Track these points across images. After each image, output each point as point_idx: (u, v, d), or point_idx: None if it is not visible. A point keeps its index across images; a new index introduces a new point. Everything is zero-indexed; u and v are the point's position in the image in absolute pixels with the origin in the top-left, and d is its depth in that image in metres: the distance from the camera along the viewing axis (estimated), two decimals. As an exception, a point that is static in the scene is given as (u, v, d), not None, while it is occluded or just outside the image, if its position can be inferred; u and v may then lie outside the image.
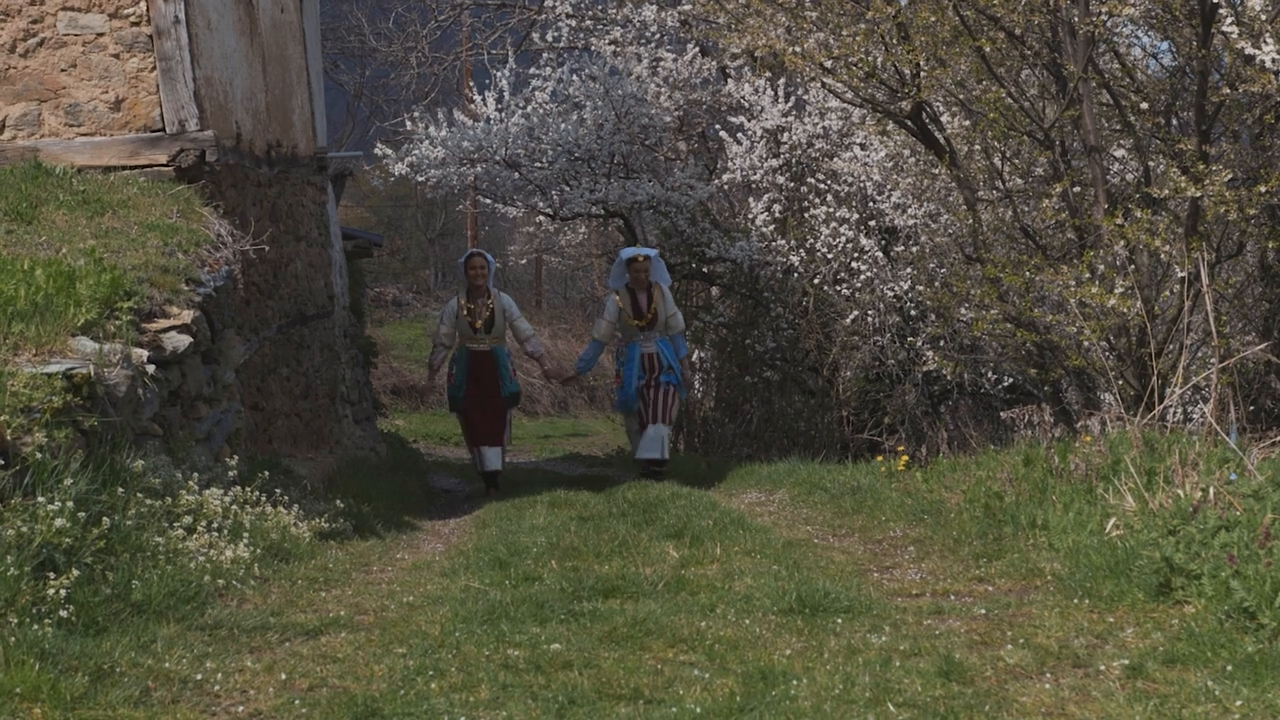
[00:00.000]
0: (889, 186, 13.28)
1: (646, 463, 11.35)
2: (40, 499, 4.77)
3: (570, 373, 12.55)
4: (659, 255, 12.03)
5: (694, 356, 15.21)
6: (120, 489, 5.38)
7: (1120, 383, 8.80)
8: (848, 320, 13.87)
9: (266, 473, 7.04)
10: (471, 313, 11.58)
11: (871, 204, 13.71)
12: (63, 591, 4.45)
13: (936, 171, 11.60)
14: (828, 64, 9.99)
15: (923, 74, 9.79)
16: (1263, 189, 8.26)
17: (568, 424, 24.49)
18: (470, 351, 11.58)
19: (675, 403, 11.56)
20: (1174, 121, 10.17)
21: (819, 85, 12.30)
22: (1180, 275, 8.68)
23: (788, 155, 14.25)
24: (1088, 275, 8.74)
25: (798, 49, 9.90)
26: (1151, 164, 10.16)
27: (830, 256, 13.71)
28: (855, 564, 6.23)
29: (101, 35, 8.50)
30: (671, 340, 11.65)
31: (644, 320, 11.53)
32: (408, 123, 15.98)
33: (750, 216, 14.36)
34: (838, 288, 13.85)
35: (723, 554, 6.33)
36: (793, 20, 10.35)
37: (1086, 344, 9.10)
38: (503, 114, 15.32)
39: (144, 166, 8.45)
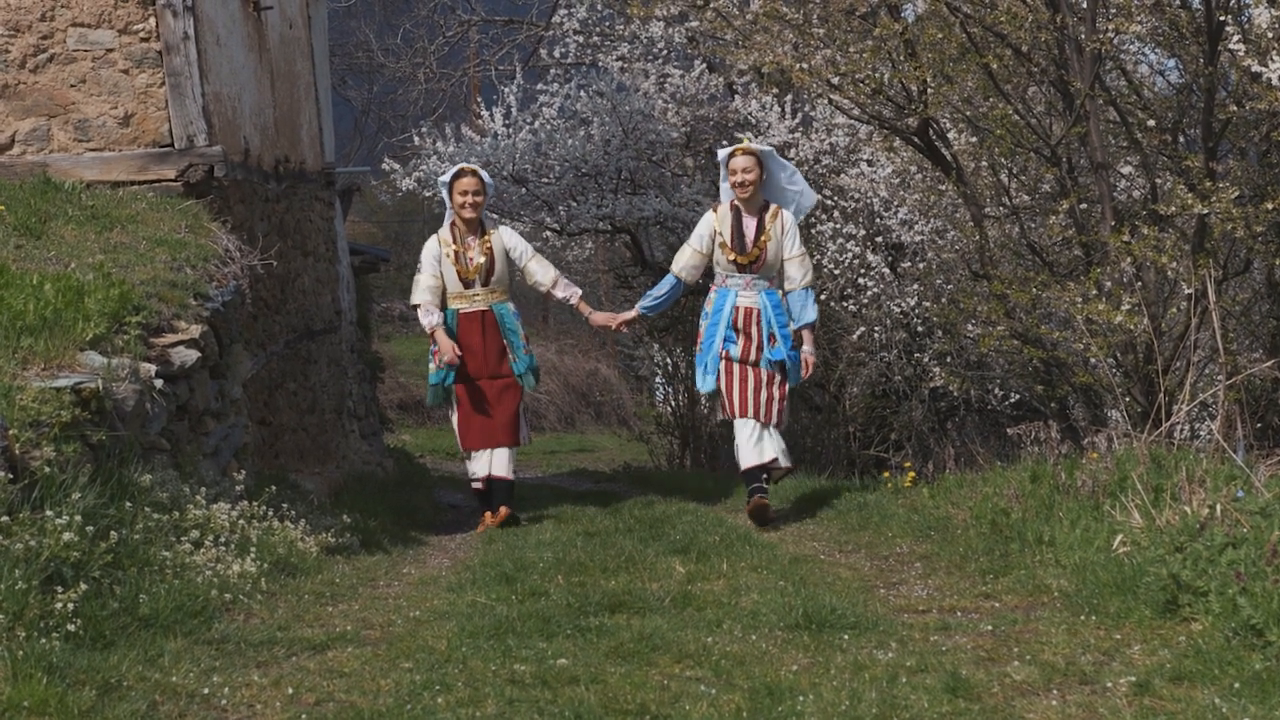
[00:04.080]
0: (896, 203, 13.29)
1: (751, 476, 8.21)
2: (48, 513, 4.78)
3: (630, 315, 8.86)
4: (775, 153, 8.49)
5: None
6: (128, 503, 5.39)
7: (1127, 399, 8.80)
8: (854, 336, 13.87)
9: (273, 487, 7.05)
10: (460, 257, 8.67)
11: (878, 220, 13.71)
12: (70, 605, 4.46)
13: (943, 188, 11.61)
14: (835, 80, 10.01)
15: (929, 91, 9.81)
16: (1270, 206, 8.26)
17: (574, 439, 24.49)
18: (459, 315, 8.68)
19: (780, 396, 8.24)
20: (1181, 139, 10.18)
21: (826, 102, 12.31)
22: (1187, 292, 8.69)
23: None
24: (1094, 292, 8.75)
25: (805, 65, 9.92)
26: (1158, 181, 10.16)
27: (837, 273, 13.72)
28: (862, 580, 6.22)
29: (111, 51, 8.54)
30: (788, 296, 8.28)
31: (746, 257, 8.18)
32: (415, 138, 16.03)
33: (757, 232, 14.36)
34: (844, 304, 13.86)
35: (729, 570, 6.32)
36: (800, 37, 10.37)
37: (1093, 361, 9.10)
38: (510, 130, 15.36)
39: (153, 182, 8.49)
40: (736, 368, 8.23)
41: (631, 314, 8.89)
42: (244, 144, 9.54)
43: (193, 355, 6.67)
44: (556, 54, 16.49)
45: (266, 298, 9.74)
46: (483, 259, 8.65)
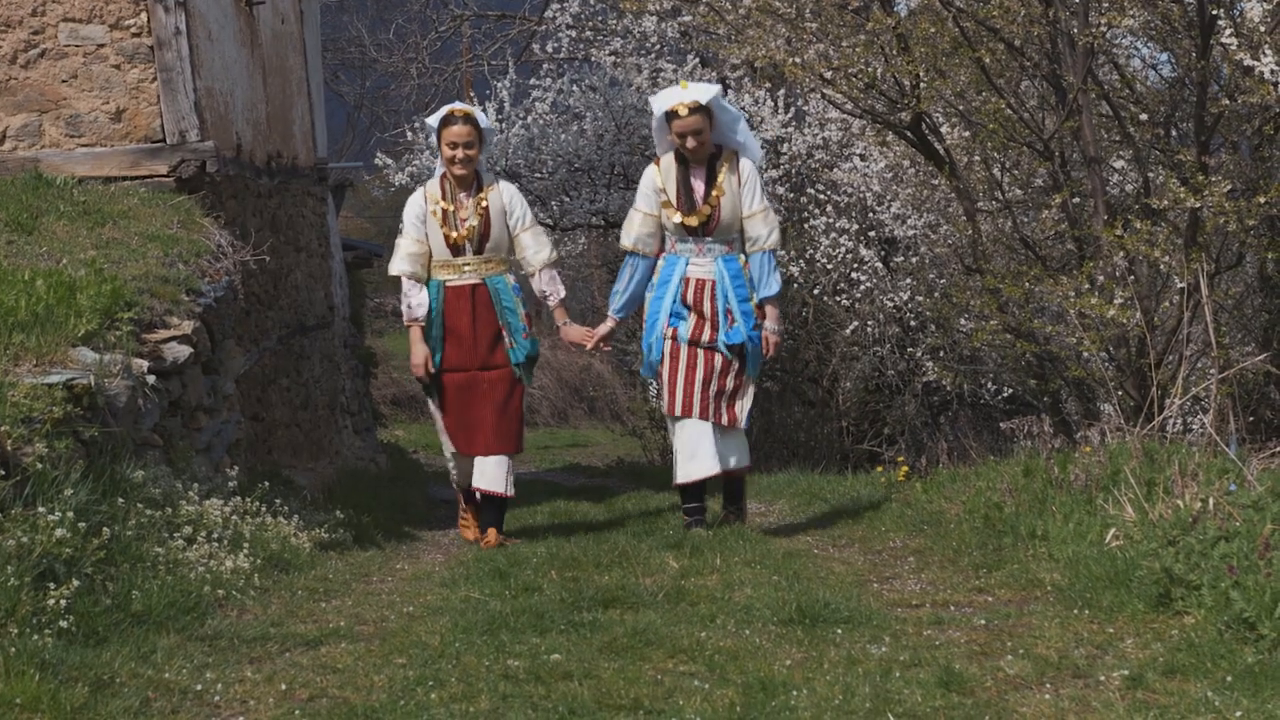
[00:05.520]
0: (889, 197, 13.29)
1: (689, 494, 7.20)
2: (41, 509, 4.78)
3: (606, 328, 7.31)
4: (726, 99, 7.28)
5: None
6: (120, 499, 5.38)
7: (1120, 393, 8.80)
8: (847, 331, 13.87)
9: (266, 483, 7.05)
10: (448, 217, 7.19)
11: (871, 215, 13.72)
12: (63, 602, 4.45)
13: (936, 182, 11.62)
14: (827, 75, 10.01)
15: (922, 85, 9.81)
16: (1262, 200, 8.27)
17: (567, 434, 24.48)
18: (445, 289, 7.24)
19: (741, 388, 7.01)
20: (1173, 133, 10.19)
21: (819, 96, 12.32)
22: (1180, 286, 8.70)
23: (787, 166, 14.25)
24: (1087, 286, 8.75)
25: (798, 60, 9.92)
26: (1151, 175, 10.17)
27: (830, 267, 13.72)
28: (855, 575, 6.22)
29: (102, 46, 8.52)
30: (749, 260, 7.00)
31: (696, 217, 6.88)
32: (408, 133, 16.00)
33: (750, 227, 14.35)
34: (837, 298, 13.86)
35: (722, 564, 6.32)
36: (793, 31, 10.36)
37: (1086, 355, 9.11)
38: (503, 125, 15.34)
39: (145, 177, 8.48)
40: (684, 351, 6.94)
41: (607, 326, 7.35)
42: (236, 139, 9.52)
43: (185, 351, 6.67)
44: (549, 49, 16.47)
45: (259, 293, 9.72)
46: (476, 221, 7.14)
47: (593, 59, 15.69)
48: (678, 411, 7.00)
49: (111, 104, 8.54)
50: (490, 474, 7.30)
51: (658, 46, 15.38)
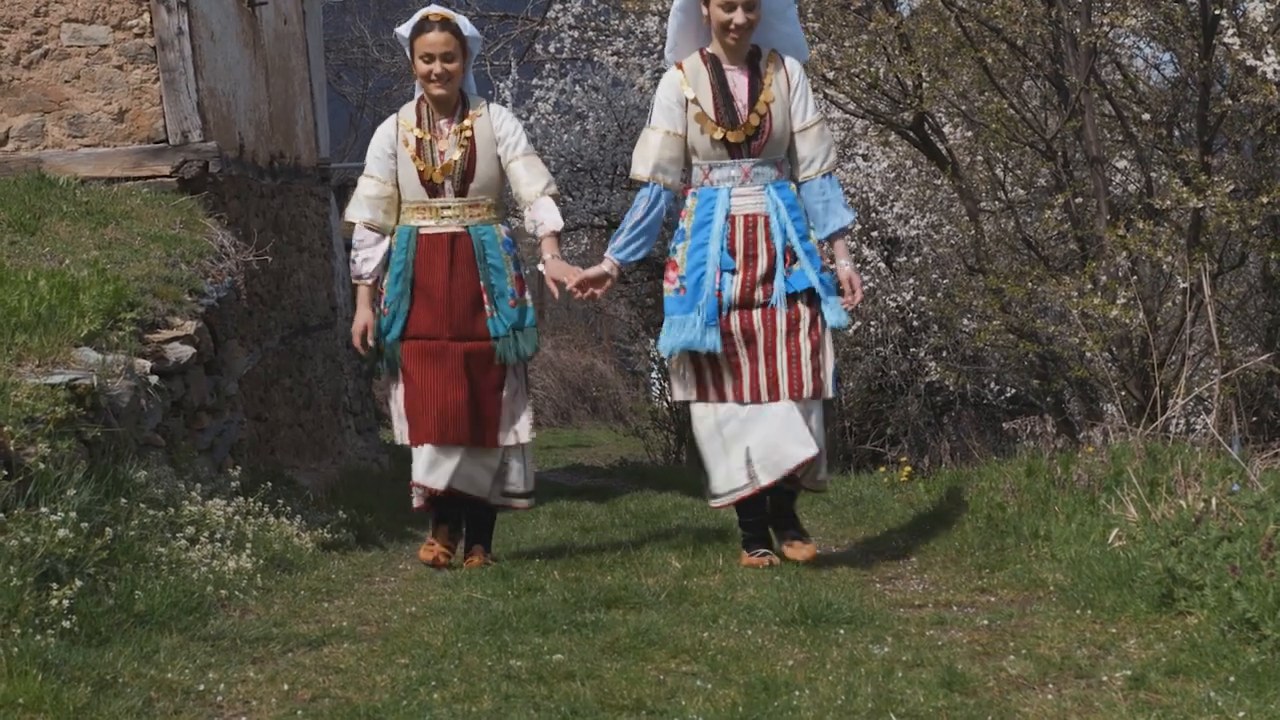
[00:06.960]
0: (891, 197, 13.29)
1: (749, 508, 5.93)
2: (43, 509, 4.78)
3: (599, 270, 5.85)
4: None
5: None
6: (123, 499, 5.38)
7: (1123, 393, 8.80)
8: (850, 331, 13.87)
9: (269, 483, 7.04)
10: (424, 149, 5.96)
11: (874, 215, 13.72)
12: (66, 602, 4.45)
13: (939, 182, 11.61)
14: (830, 75, 10.01)
15: (925, 85, 9.81)
16: (1265, 199, 8.27)
17: (570, 434, 24.46)
18: (418, 236, 5.95)
19: (815, 346, 5.59)
20: (1176, 132, 10.19)
21: (821, 96, 12.31)
22: (1182, 286, 8.70)
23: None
24: (1090, 286, 8.75)
25: (799, 60, 9.91)
26: (1154, 175, 10.17)
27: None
28: (857, 575, 6.22)
29: (105, 47, 8.53)
30: (801, 191, 5.68)
31: (740, 130, 5.54)
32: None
33: (753, 227, 14.36)
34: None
35: (725, 565, 6.32)
36: (795, 31, 10.35)
37: (1089, 355, 9.10)
38: (505, 126, 15.36)
39: (147, 178, 8.49)
40: (735, 318, 5.60)
41: (602, 268, 5.84)
42: (239, 140, 9.53)
43: (188, 351, 6.67)
44: (551, 49, 16.48)
45: (261, 293, 9.73)
46: (458, 153, 5.91)
47: (595, 59, 15.70)
48: (746, 396, 5.62)
49: (114, 104, 8.55)
50: (468, 474, 6.10)
51: (660, 47, 15.39)
